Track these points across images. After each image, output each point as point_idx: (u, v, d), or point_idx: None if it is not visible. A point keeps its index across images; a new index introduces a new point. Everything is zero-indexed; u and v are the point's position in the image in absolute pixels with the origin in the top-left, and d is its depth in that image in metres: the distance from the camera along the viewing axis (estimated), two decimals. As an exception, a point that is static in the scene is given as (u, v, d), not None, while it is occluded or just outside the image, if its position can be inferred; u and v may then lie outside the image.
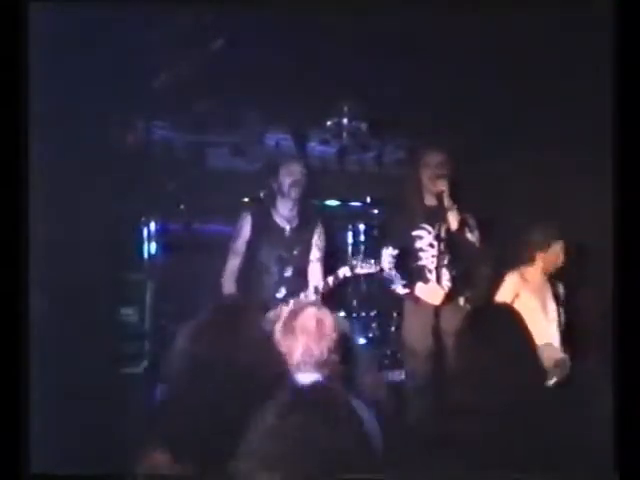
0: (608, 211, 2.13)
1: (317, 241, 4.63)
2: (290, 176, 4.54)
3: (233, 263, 4.59)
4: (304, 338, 2.58)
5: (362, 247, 5.58)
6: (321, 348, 2.57)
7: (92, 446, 3.22)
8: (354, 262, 4.36)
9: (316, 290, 4.43)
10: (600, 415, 1.92)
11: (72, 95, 4.43)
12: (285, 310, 2.83)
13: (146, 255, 4.74)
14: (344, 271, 4.35)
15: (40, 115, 2.34)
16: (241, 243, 4.60)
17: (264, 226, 4.58)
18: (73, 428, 3.42)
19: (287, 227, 4.59)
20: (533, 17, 4.61)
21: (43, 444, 2.16)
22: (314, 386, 1.71)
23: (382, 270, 4.34)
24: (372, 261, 4.35)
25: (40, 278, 2.28)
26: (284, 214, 4.60)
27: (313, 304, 2.90)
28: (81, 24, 4.07)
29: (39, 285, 2.25)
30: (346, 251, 5.56)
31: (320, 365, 2.55)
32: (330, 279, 4.40)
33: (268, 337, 2.16)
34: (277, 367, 1.94)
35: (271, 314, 3.85)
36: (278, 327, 2.65)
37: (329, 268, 4.56)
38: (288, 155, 5.30)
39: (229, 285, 4.56)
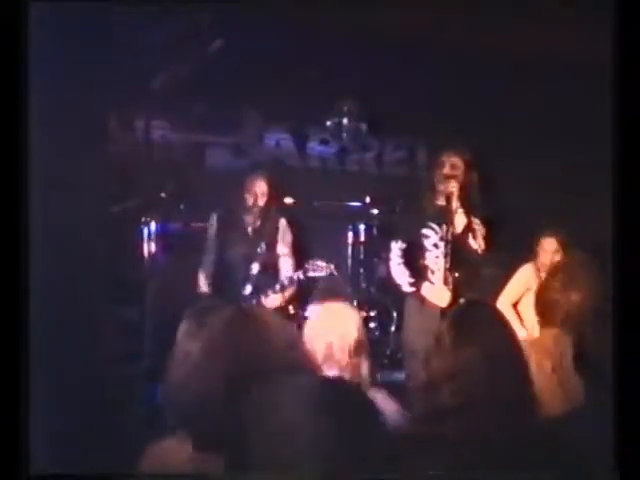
0: (608, 211, 2.13)
1: (282, 236, 4.73)
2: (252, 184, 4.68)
3: (206, 261, 4.73)
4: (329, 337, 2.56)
5: (362, 247, 5.58)
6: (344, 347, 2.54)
7: (92, 446, 3.22)
8: (307, 265, 4.49)
9: (282, 286, 4.52)
10: (600, 414, 1.92)
11: (72, 95, 4.43)
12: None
13: (146, 255, 4.74)
14: (298, 274, 4.52)
15: (40, 115, 2.34)
16: (211, 243, 4.74)
17: (230, 225, 4.70)
18: (73, 428, 3.42)
19: (251, 225, 4.68)
20: (533, 17, 4.63)
21: (43, 444, 2.16)
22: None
23: (333, 270, 4.51)
24: (324, 263, 4.49)
25: (40, 278, 2.28)
26: (248, 212, 4.70)
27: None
28: (81, 24, 4.08)
29: (39, 285, 2.25)
30: (346, 251, 5.56)
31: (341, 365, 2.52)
32: (295, 275, 4.54)
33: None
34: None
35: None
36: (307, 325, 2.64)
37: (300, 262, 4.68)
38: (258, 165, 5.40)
39: (203, 284, 4.72)
